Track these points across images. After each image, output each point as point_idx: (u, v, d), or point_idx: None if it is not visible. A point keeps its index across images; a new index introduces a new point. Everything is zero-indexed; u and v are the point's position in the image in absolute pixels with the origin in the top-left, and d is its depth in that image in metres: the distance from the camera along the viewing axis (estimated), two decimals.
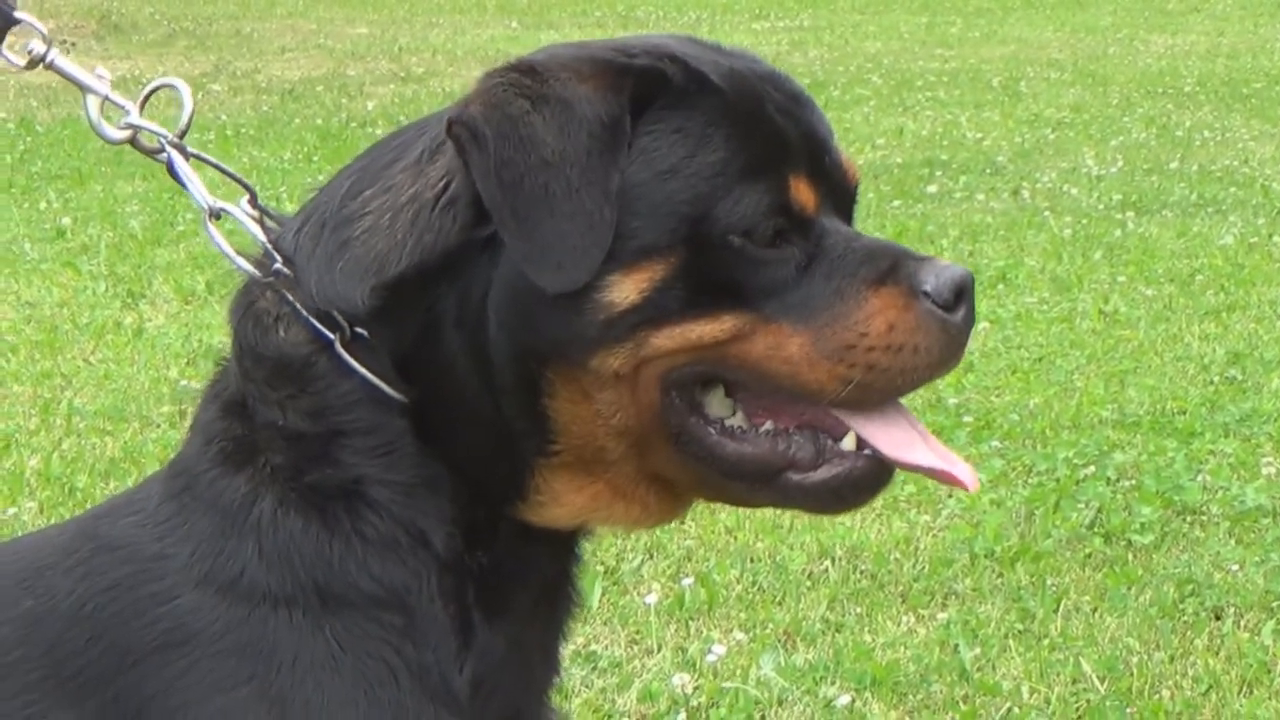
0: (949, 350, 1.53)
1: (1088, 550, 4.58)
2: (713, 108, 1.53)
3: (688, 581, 4.42)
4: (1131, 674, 3.84)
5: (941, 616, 4.19)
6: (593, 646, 3.96)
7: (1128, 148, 10.80)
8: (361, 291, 1.52)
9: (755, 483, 1.55)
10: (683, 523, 4.67)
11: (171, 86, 1.78)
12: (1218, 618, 4.12)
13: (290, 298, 1.55)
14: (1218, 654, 3.94)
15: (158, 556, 1.53)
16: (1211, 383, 5.99)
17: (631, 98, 1.50)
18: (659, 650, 4.04)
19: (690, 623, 4.19)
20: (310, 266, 1.55)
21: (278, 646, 1.48)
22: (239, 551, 1.51)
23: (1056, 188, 9.64)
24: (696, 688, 3.83)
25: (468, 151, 1.48)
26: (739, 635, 4.11)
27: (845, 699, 3.75)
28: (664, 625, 4.18)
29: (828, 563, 4.54)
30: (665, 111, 1.52)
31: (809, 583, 4.42)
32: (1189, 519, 4.76)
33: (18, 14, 1.82)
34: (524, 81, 1.51)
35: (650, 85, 1.53)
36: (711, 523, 4.77)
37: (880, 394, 1.53)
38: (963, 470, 1.55)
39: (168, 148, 1.74)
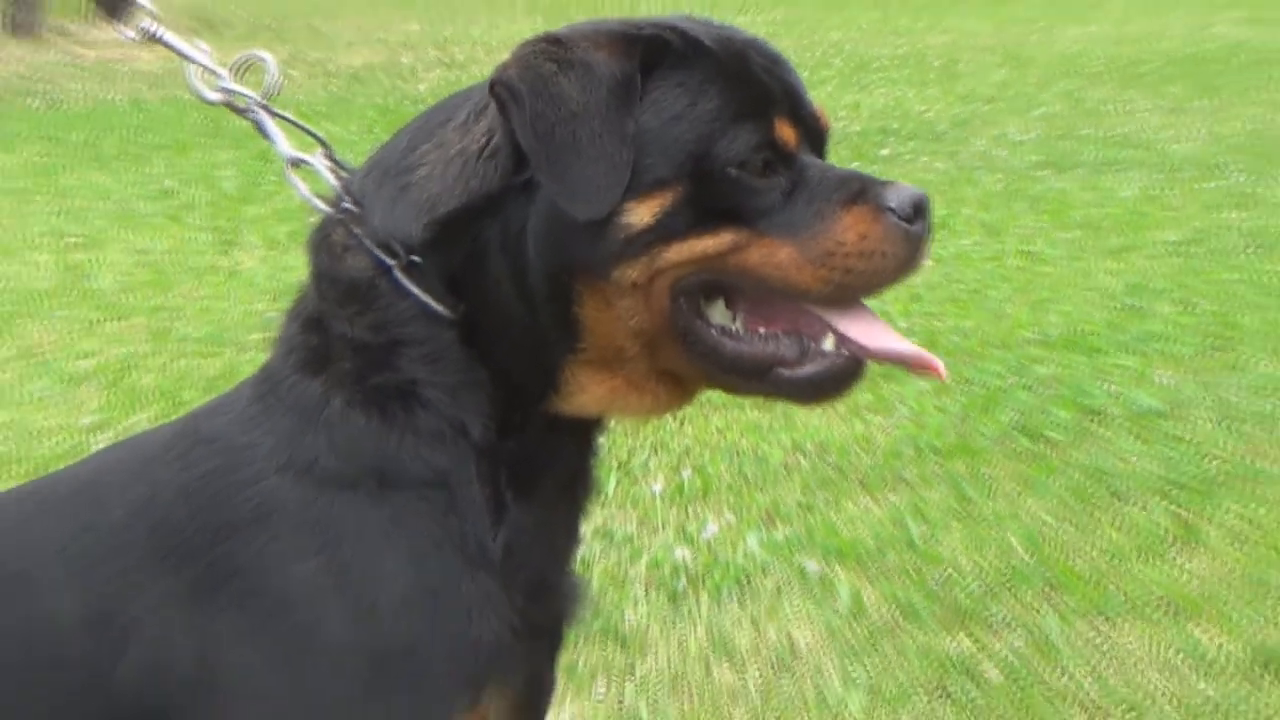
0: (911, 255, 1.51)
1: (1013, 446, 4.57)
2: (708, 66, 1.51)
3: (686, 473, 4.42)
4: (1049, 545, 3.85)
5: (893, 499, 4.18)
6: (609, 526, 3.96)
7: (1045, 118, 10.72)
8: (417, 226, 1.50)
9: (750, 377, 1.53)
10: (681, 425, 4.68)
11: (260, 59, 1.75)
12: (1119, 499, 4.12)
13: (357, 231, 1.52)
14: (1119, 529, 3.94)
15: (246, 447, 1.52)
16: (1114, 309, 5.97)
17: (641, 60, 1.49)
18: (663, 529, 4.04)
19: (689, 506, 4.19)
20: (374, 206, 1.53)
21: (343, 522, 1.47)
22: (313, 443, 1.50)
23: (987, 151, 9.57)
24: (695, 559, 3.83)
25: (507, 108, 1.46)
26: (729, 516, 4.11)
27: (815, 567, 3.76)
28: (667, 508, 4.18)
29: (800, 456, 4.53)
30: (669, 71, 1.50)
31: (785, 473, 4.41)
32: (1095, 419, 4.75)
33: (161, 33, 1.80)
34: (552, 49, 1.49)
35: (656, 50, 1.50)
36: (705, 425, 4.76)
37: (856, 292, 1.52)
38: (935, 359, 1.53)
39: (256, 108, 1.70)
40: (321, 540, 1.46)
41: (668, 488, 4.32)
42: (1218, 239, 7.07)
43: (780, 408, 4.77)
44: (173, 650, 1.44)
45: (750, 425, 4.77)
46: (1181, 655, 3.25)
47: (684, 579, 3.71)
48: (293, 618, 1.45)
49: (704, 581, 3.69)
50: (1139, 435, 4.58)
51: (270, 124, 1.69)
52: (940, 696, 3.12)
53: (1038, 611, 3.49)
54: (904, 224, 1.50)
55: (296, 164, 1.64)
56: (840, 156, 7.46)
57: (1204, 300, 6.00)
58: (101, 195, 8.69)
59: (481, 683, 1.48)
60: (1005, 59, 13.85)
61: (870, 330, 1.53)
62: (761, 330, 1.54)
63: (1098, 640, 3.34)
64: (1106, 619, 3.44)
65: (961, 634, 3.40)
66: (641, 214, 1.45)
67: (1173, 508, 4.04)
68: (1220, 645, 3.28)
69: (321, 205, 1.60)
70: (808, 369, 1.52)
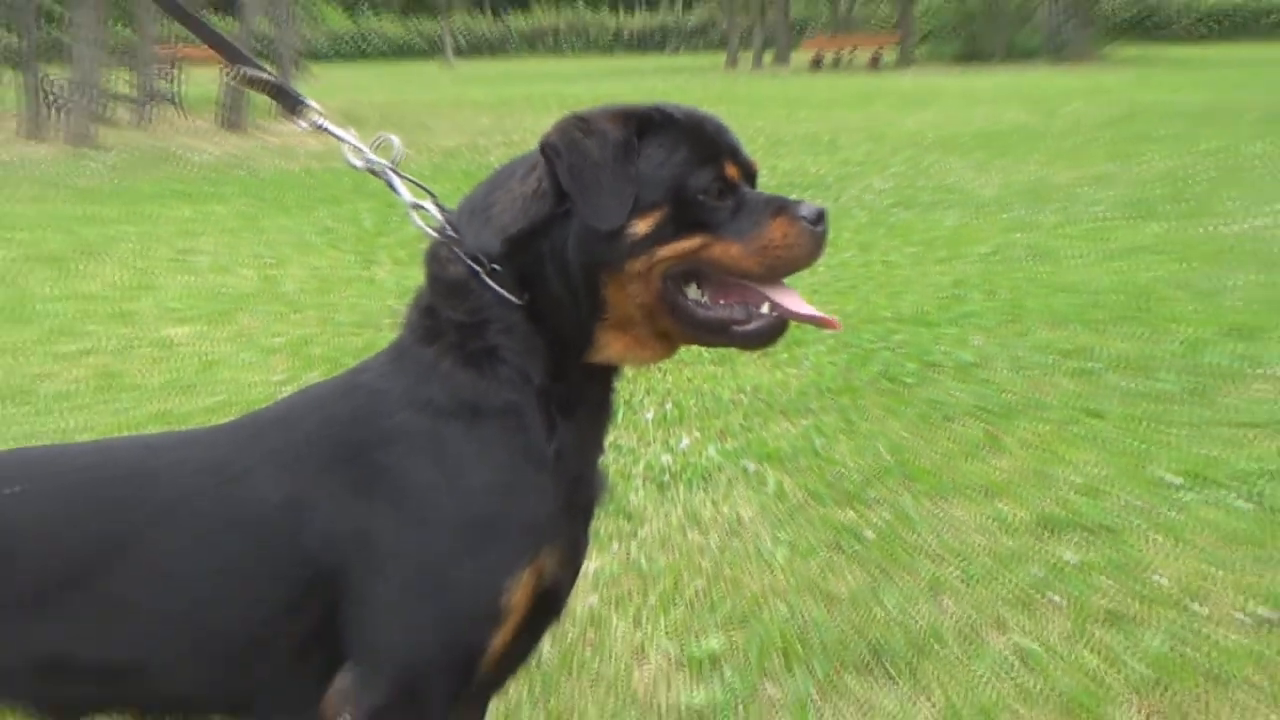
0: (817, 247, 1.50)
1: (880, 386, 4.49)
2: (679, 132, 1.50)
3: (668, 406, 4.33)
4: (905, 451, 3.78)
5: (803, 422, 4.10)
6: (618, 441, 3.88)
7: (896, 174, 10.60)
8: (495, 243, 1.47)
9: (714, 333, 1.50)
10: (664, 375, 4.61)
11: (389, 140, 1.69)
12: (950, 420, 4.06)
13: (456, 250, 1.48)
14: (950, 440, 3.88)
15: (385, 391, 1.48)
16: (944, 297, 5.87)
17: (636, 129, 1.48)
18: (654, 443, 3.95)
19: (670, 428, 4.10)
20: (467, 232, 1.49)
21: (450, 440, 1.45)
22: (429, 389, 1.47)
23: (859, 196, 9.45)
24: (674, 462, 3.75)
25: (552, 161, 1.46)
26: (696, 434, 4.03)
27: (753, 467, 3.68)
28: (656, 429, 4.10)
29: (742, 395, 4.44)
30: (654, 135, 1.49)
31: (732, 405, 4.33)
32: (933, 369, 4.67)
33: (305, 100, 1.76)
34: (579, 122, 1.47)
35: (645, 122, 1.49)
36: (680, 375, 4.66)
37: (783, 274, 1.51)
38: (834, 319, 1.51)
39: (387, 171, 1.65)
40: (436, 452, 1.44)
41: (656, 416, 4.23)
42: (1009, 251, 6.96)
43: (731, 359, 4.74)
44: (339, 524, 1.42)
45: (709, 375, 4.68)
46: (992, 521, 3.20)
47: (668, 475, 3.65)
48: (418, 501, 1.42)
49: (681, 477, 3.63)
50: (961, 379, 4.52)
51: (397, 182, 1.63)
52: (836, 550, 3.07)
53: (898, 494, 3.43)
54: (811, 227, 1.48)
55: (415, 207, 1.59)
56: None
57: (1002, 290, 5.91)
58: (285, 232, 8.56)
59: (540, 545, 1.45)
60: (869, 137, 13.74)
61: (792, 300, 1.50)
62: (721, 302, 1.50)
63: (938, 513, 3.29)
64: (943, 498, 3.38)
65: (849, 509, 3.34)
66: (642, 227, 1.44)
67: (984, 426, 3.97)
68: (1017, 514, 3.23)
69: (432, 233, 1.55)
70: (752, 326, 1.49)
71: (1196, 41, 30.11)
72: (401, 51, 47.58)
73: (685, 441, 3.95)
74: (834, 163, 11.46)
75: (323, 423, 1.50)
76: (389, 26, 50.19)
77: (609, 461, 3.77)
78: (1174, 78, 20.91)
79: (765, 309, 1.50)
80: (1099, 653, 2.41)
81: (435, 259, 1.53)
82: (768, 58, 29.26)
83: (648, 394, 4.48)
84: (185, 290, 6.57)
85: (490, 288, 1.47)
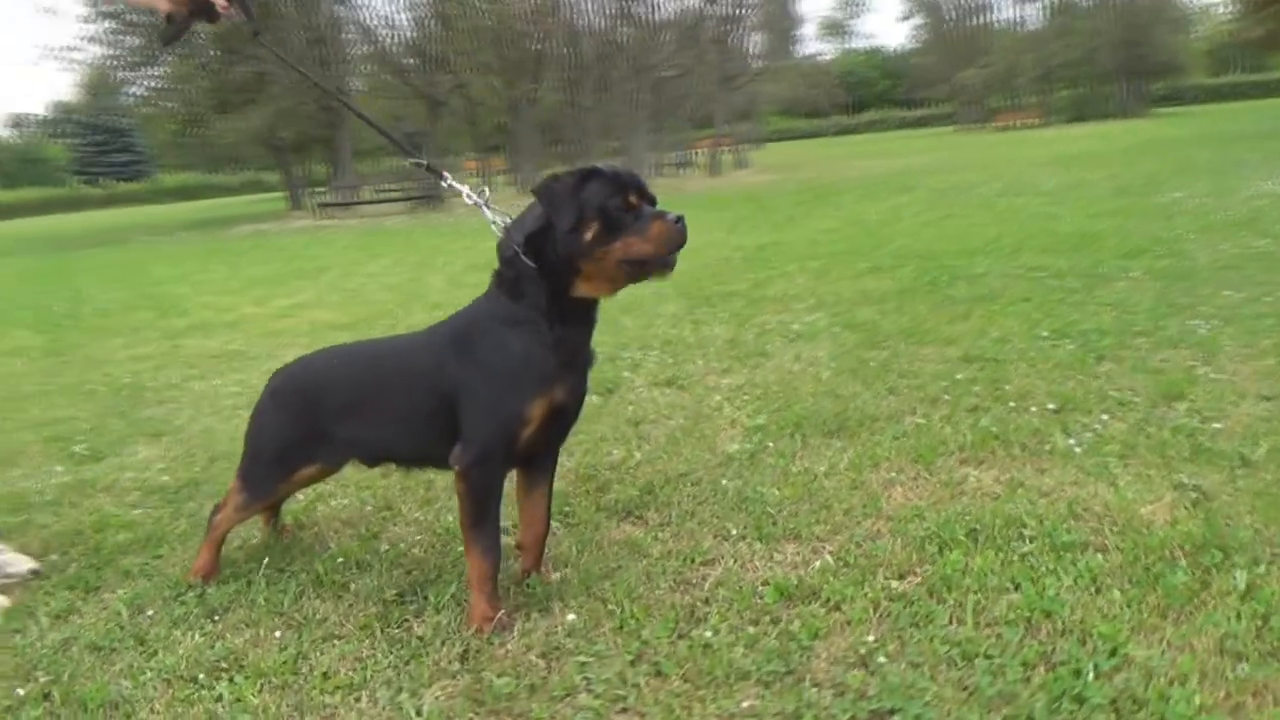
0: (680, 234, 2.14)
1: (925, 288, 5.54)
2: (605, 179, 2.17)
3: (812, 300, 5.46)
4: (921, 320, 4.81)
5: (876, 309, 5.15)
6: (771, 315, 5.22)
7: (1006, 178, 11.09)
8: (521, 238, 2.21)
9: (639, 277, 2.19)
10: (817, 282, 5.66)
11: (480, 190, 2.52)
12: (952, 305, 4.98)
13: (508, 241, 2.25)
14: (946, 315, 4.90)
15: (476, 311, 2.30)
16: (985, 239, 7.07)
17: (579, 179, 2.17)
18: (794, 318, 5.15)
19: (808, 310, 5.36)
20: (513, 233, 2.26)
21: (505, 334, 2.22)
22: (495, 309, 2.25)
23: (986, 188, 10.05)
24: (803, 328, 4.95)
25: (540, 196, 2.20)
26: (820, 313, 5.37)
27: (839, 330, 4.82)
28: (798, 309, 5.33)
29: (854, 293, 5.50)
30: (593, 182, 2.16)
31: (845, 299, 5.43)
32: (958, 279, 5.58)
33: (450, 180, 2.64)
34: (553, 177, 2.23)
35: (588, 174, 2.17)
36: (823, 283, 5.76)
37: (665, 251, 2.14)
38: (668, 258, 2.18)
39: (482, 204, 2.46)
40: (496, 341, 2.22)
41: (807, 306, 5.36)
42: (1035, 212, 7.78)
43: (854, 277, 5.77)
44: (457, 375, 2.24)
45: (835, 280, 5.74)
46: (940, 356, 4.13)
47: (795, 334, 4.96)
48: (486, 364, 2.21)
49: (802, 335, 4.90)
50: (969, 284, 5.45)
51: (487, 211, 2.41)
52: (852, 373, 4.12)
53: (902, 342, 4.49)
54: (675, 225, 2.13)
55: (493, 221, 2.35)
56: (734, 267, 8.10)
57: (1016, 235, 6.78)
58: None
59: (549, 384, 2.20)
60: (1000, 160, 14.02)
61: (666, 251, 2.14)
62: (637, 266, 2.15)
63: (917, 352, 4.26)
64: (924, 344, 4.41)
65: (874, 350, 4.40)
66: (586, 231, 2.13)
67: (966, 307, 4.98)
68: (954, 353, 4.16)
69: (499, 234, 2.30)
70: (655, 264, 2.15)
71: (1211, 102, 48.28)
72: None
73: (812, 316, 5.36)
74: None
75: (451, 328, 2.31)
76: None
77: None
78: (1184, 123, 29.17)
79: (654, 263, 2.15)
80: (954, 426, 3.34)
81: (501, 246, 2.26)
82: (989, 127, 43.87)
83: (812, 295, 5.98)
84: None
85: (522, 260, 2.19)
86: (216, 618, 2.34)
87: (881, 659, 1.93)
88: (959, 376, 3.84)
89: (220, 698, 1.99)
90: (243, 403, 4.40)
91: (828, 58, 71.27)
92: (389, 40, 26.59)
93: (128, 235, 22.69)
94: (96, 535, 2.95)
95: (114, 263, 14.76)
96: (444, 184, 2.64)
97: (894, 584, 2.23)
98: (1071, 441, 3.02)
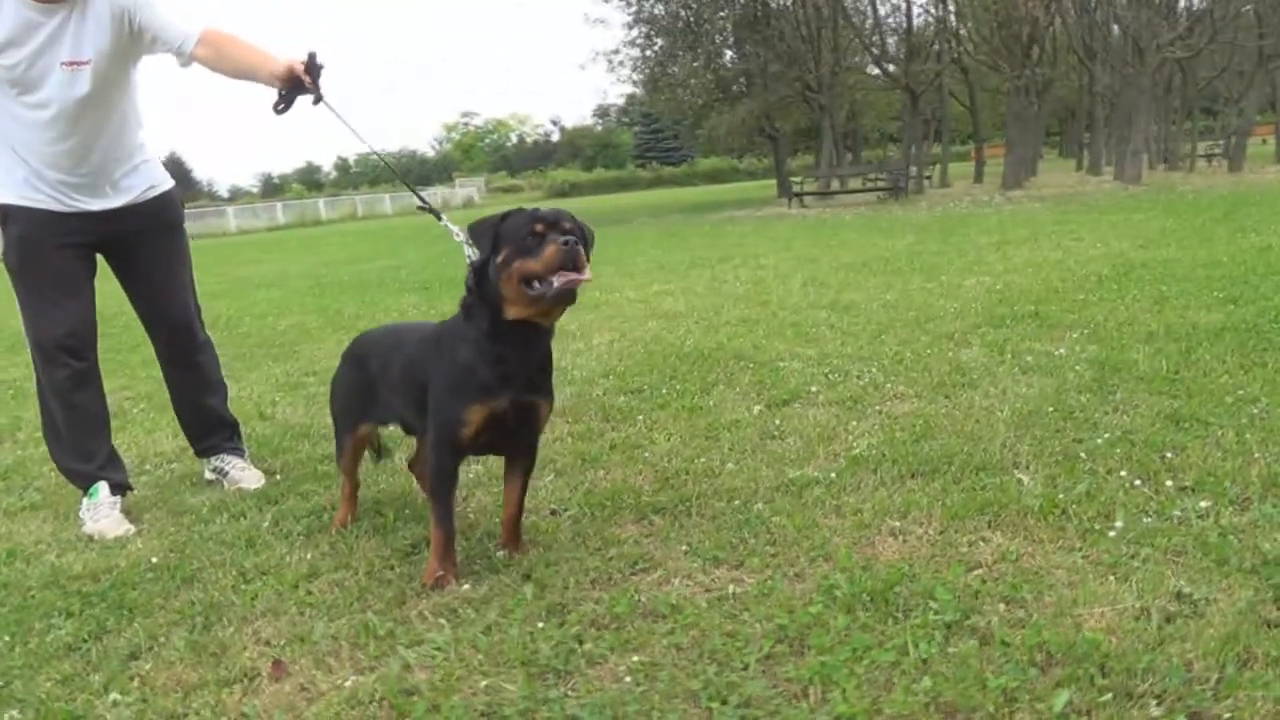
0: (570, 254, 2.35)
1: None
2: (521, 215, 2.46)
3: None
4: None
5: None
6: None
7: None
8: (469, 267, 2.54)
9: (535, 303, 2.42)
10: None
11: (459, 236, 2.70)
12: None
13: (468, 270, 2.55)
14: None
15: (446, 328, 2.62)
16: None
17: (501, 218, 2.47)
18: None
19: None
20: (470, 265, 2.56)
21: (456, 350, 2.53)
22: (455, 329, 2.57)
23: None
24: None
25: (470, 231, 2.52)
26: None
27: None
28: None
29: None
30: (511, 219, 2.46)
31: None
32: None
33: (446, 221, 2.87)
34: (478, 220, 2.51)
35: (508, 214, 2.47)
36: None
37: (557, 269, 2.36)
38: (581, 277, 2.39)
39: (465, 242, 2.60)
40: (451, 352, 2.54)
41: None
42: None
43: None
44: (426, 373, 2.62)
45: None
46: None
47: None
48: (441, 369, 2.56)
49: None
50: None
51: (467, 248, 2.58)
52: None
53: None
54: (565, 246, 2.33)
55: (469, 256, 2.56)
56: (1084, 287, 7.05)
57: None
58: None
59: (484, 397, 2.48)
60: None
61: (561, 279, 2.35)
62: (538, 285, 2.38)
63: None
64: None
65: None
66: (502, 257, 2.41)
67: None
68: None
69: (469, 263, 2.54)
70: (546, 295, 2.38)
71: None
72: None
73: (1062, 348, 4.88)
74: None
75: (435, 333, 2.65)
76: None
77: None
78: None
79: (553, 284, 2.35)
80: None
81: (468, 273, 2.53)
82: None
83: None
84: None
85: (471, 286, 2.49)
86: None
87: None
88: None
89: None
90: None
91: None
92: (871, 29, 27.03)
93: (630, 216, 25.89)
94: None
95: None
96: (441, 224, 2.89)
97: None
98: None
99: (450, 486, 2.63)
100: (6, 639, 2.52)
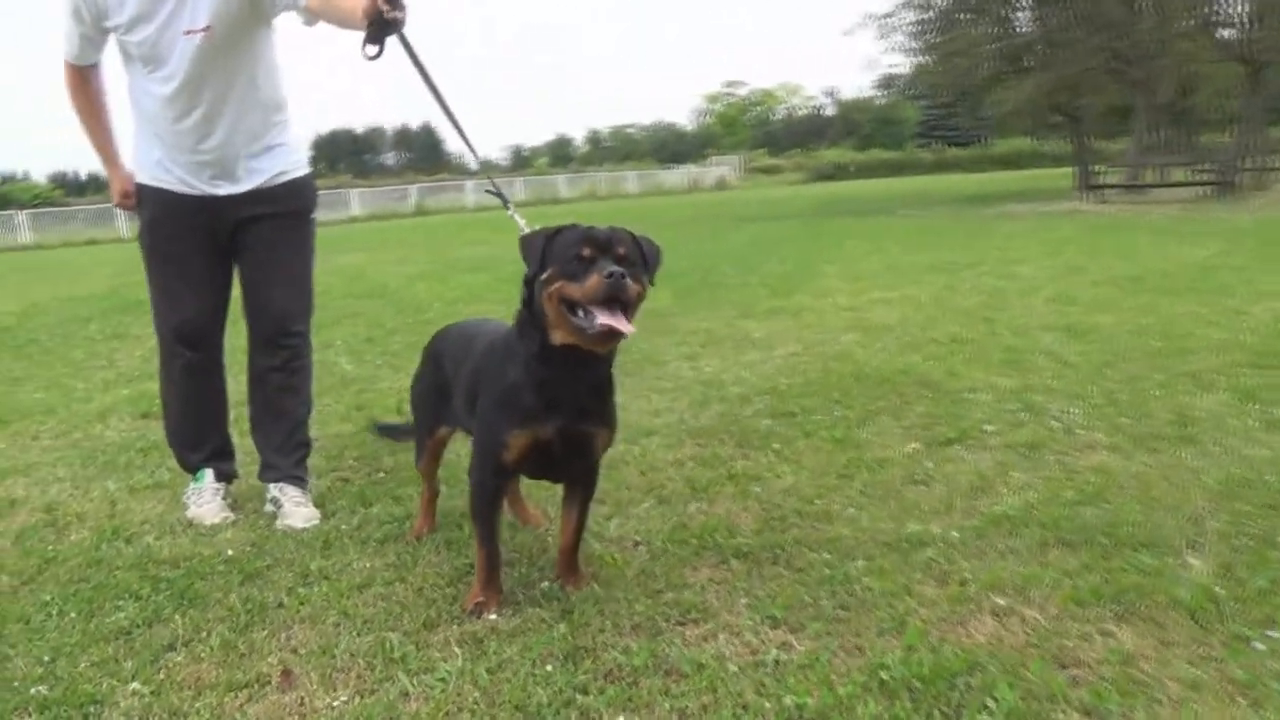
0: (612, 287, 2.39)
1: None
2: (572, 232, 2.52)
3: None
4: None
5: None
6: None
7: None
8: (524, 285, 2.63)
9: (577, 334, 2.47)
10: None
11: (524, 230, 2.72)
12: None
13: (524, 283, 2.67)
14: None
15: (502, 339, 2.74)
16: None
17: (553, 233, 2.54)
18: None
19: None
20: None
21: (505, 367, 2.65)
22: (509, 343, 2.68)
23: None
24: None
25: (520, 246, 2.59)
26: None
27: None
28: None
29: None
30: (562, 235, 2.52)
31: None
32: None
33: (512, 210, 3.05)
34: (529, 231, 2.63)
35: (559, 229, 2.54)
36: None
37: (599, 301, 2.42)
38: (627, 327, 2.43)
39: (522, 223, 2.81)
40: (500, 368, 2.66)
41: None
42: None
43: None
44: (480, 383, 2.78)
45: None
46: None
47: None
48: (488, 386, 2.70)
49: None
50: None
51: (520, 222, 2.84)
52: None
53: None
54: (608, 280, 2.37)
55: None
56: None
57: None
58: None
59: (528, 421, 2.58)
60: None
61: (608, 318, 2.40)
62: (581, 315, 2.45)
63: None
64: None
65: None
66: (549, 277, 2.48)
67: None
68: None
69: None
70: (589, 331, 2.43)
71: None
72: None
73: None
74: None
75: (490, 341, 2.80)
76: None
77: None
78: None
79: (601, 319, 2.40)
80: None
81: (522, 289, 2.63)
82: None
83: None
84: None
85: (525, 300, 2.60)
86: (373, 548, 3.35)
87: None
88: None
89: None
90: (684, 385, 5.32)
91: None
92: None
93: (893, 206, 25.32)
94: None
95: (817, 234, 16.90)
96: (509, 214, 3.01)
97: None
98: None
99: (494, 507, 2.77)
100: (74, 615, 2.90)
